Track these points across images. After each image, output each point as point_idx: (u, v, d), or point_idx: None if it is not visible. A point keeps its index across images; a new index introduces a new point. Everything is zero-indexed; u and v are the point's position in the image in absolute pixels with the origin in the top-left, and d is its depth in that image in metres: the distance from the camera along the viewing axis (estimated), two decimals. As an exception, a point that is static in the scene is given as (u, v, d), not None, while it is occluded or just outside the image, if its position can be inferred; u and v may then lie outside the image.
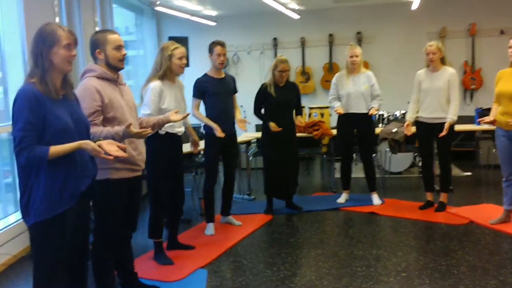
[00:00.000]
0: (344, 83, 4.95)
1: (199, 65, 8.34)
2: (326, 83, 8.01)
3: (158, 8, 6.83)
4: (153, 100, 3.51)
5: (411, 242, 4.11)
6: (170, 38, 7.70)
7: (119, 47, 2.71)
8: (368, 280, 3.33)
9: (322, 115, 6.87)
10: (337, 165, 5.66)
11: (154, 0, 6.63)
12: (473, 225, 4.32)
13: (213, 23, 8.04)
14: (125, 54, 2.74)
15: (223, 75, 4.34)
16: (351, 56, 4.90)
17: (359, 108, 4.91)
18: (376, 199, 5.11)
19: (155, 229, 3.74)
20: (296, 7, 7.56)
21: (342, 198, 5.21)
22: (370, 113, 4.82)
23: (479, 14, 7.48)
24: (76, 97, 2.41)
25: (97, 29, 5.10)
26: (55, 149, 2.13)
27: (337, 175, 5.69)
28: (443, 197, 4.81)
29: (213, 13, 7.95)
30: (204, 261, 3.72)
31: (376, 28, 7.94)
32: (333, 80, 5.10)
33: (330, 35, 8.06)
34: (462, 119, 5.94)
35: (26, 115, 2.08)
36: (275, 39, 8.21)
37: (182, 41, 7.63)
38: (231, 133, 4.35)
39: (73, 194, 2.22)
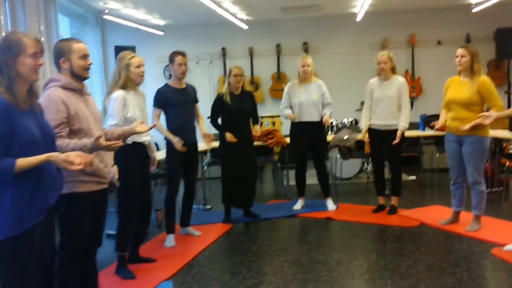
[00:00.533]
0: (296, 92, 5.04)
1: (147, 74, 8.25)
2: (275, 92, 8.14)
3: (106, 17, 6.65)
4: (118, 110, 3.44)
5: (368, 245, 4.25)
6: (117, 48, 7.53)
7: (84, 56, 2.62)
8: (333, 284, 3.41)
9: (273, 123, 6.95)
10: (291, 173, 5.75)
11: (101, 8, 6.46)
12: (424, 227, 4.53)
13: (161, 33, 7.95)
14: (90, 63, 2.65)
15: (184, 85, 4.32)
16: (303, 66, 5.01)
17: (311, 116, 5.01)
18: (330, 204, 5.22)
19: (123, 242, 3.64)
20: (245, 17, 7.65)
21: (298, 205, 5.29)
22: (324, 121, 4.94)
23: (418, 26, 7.90)
24: (41, 108, 2.30)
25: (43, 38, 4.91)
26: (22, 162, 2.02)
27: (291, 182, 5.78)
28: (394, 200, 5.02)
29: (161, 22, 7.86)
30: (167, 274, 3.65)
31: (322, 39, 8.18)
32: (285, 89, 5.18)
33: (278, 45, 8.19)
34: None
35: None
36: (223, 48, 8.23)
37: (130, 50, 7.51)
38: (192, 144, 4.31)
39: (41, 208, 2.13)
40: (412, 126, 6.46)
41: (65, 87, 2.60)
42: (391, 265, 3.69)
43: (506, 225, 4.39)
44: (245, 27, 7.71)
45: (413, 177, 6.74)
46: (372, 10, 7.18)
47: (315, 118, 5.02)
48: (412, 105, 8.29)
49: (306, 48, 8.20)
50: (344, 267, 3.72)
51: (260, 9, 7.21)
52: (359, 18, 7.48)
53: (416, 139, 6.51)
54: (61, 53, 2.61)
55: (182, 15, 7.56)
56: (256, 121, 5.04)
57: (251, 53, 8.24)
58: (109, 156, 2.85)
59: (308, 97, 5.00)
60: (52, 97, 2.53)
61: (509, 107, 6.82)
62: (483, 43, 7.75)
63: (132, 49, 7.47)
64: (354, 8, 7.34)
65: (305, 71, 5.00)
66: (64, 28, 7.45)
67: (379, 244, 4.26)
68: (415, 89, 8.11)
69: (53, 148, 2.23)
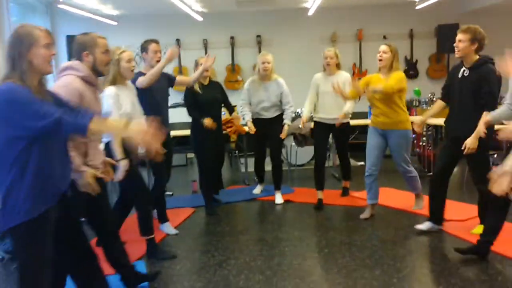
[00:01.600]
0: (256, 90, 5.11)
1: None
2: (229, 83, 8.33)
3: (60, 6, 6.56)
4: (114, 105, 3.38)
5: (326, 223, 4.56)
6: (68, 37, 7.46)
7: (106, 52, 2.69)
8: (296, 257, 3.68)
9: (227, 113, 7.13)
10: (249, 160, 5.95)
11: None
12: (375, 206, 4.89)
13: (115, 23, 7.91)
14: (110, 60, 2.75)
15: None
16: (263, 63, 5.02)
17: (270, 113, 5.12)
18: (279, 198, 5.25)
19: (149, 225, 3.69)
20: (200, 9, 7.76)
21: (258, 189, 5.50)
22: (283, 132, 5.08)
23: (365, 21, 8.34)
24: (52, 97, 2.28)
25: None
26: (95, 126, 2.07)
27: (249, 169, 6.00)
28: (345, 183, 5.34)
29: (114, 12, 7.82)
30: (138, 254, 3.76)
31: (274, 32, 8.44)
32: (246, 85, 5.23)
33: (232, 37, 8.38)
34: (356, 115, 6.64)
35: (29, 100, 2.02)
36: (178, 40, 8.31)
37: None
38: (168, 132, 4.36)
39: (54, 194, 2.21)
40: (361, 115, 6.87)
41: (84, 79, 2.63)
42: (347, 240, 4.00)
43: (448, 203, 4.81)
44: (200, 19, 7.82)
45: (361, 163, 7.14)
46: (323, 5, 7.50)
47: (274, 114, 5.12)
48: (359, 97, 8.79)
49: (259, 41, 8.44)
50: (306, 243, 4.01)
51: (216, 1, 7.36)
52: (310, 12, 7.80)
53: (364, 127, 6.89)
54: (84, 46, 2.65)
55: (136, 5, 7.56)
56: (231, 109, 5.16)
57: (205, 44, 8.37)
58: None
59: (268, 95, 5.06)
60: (69, 87, 2.55)
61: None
62: (425, 38, 8.35)
63: (85, 38, 7.43)
64: (306, 2, 7.65)
65: (265, 68, 5.00)
66: (12, 16, 7.26)
67: (335, 222, 4.58)
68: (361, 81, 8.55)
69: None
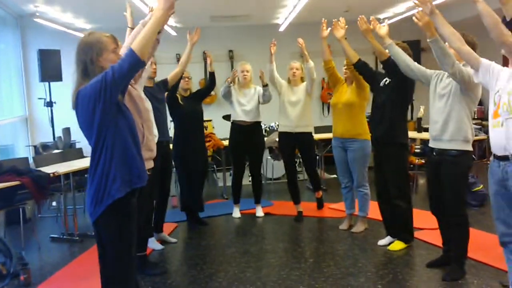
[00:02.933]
0: (236, 93, 5.25)
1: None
2: (203, 97, 8.42)
3: (36, 20, 6.52)
4: None
5: (307, 234, 4.72)
6: (40, 51, 7.39)
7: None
8: (284, 268, 3.81)
9: (205, 128, 7.22)
10: (226, 174, 6.04)
11: (29, 11, 6.32)
12: (353, 216, 5.09)
13: (87, 37, 7.88)
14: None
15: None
16: (242, 71, 5.25)
17: (249, 117, 5.18)
18: (259, 211, 5.38)
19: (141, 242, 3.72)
20: (174, 24, 7.86)
21: (237, 212, 5.38)
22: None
23: (333, 38, 8.62)
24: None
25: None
26: (136, 43, 2.18)
27: (228, 183, 6.10)
28: (318, 194, 5.44)
29: (87, 26, 7.81)
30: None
31: (246, 47, 8.63)
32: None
33: (204, 52, 8.49)
34: (324, 129, 6.88)
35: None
36: (151, 54, 8.34)
37: (54, 54, 7.37)
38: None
39: (139, 175, 2.35)
40: (328, 129, 7.08)
41: None
42: (330, 250, 4.18)
43: (418, 212, 5.06)
44: (173, 33, 7.91)
45: (334, 176, 7.38)
46: (293, 22, 7.77)
47: (252, 120, 5.19)
48: (328, 110, 9.07)
49: (231, 56, 8.62)
50: (290, 254, 4.15)
51: (190, 16, 7.47)
52: (282, 28, 8.04)
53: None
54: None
55: (108, 19, 7.55)
56: (213, 80, 5.13)
57: (178, 59, 8.43)
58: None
59: (247, 100, 5.21)
60: None
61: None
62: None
63: (57, 53, 7.37)
64: (278, 19, 7.89)
65: (245, 76, 5.20)
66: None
67: (316, 233, 4.75)
68: (332, 95, 8.83)
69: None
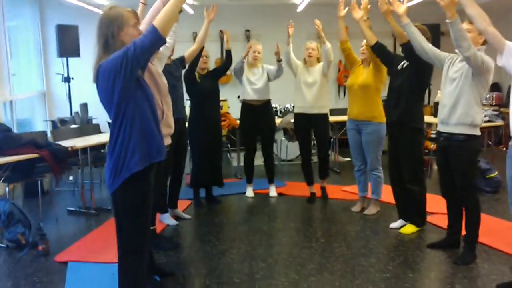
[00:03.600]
0: (246, 72, 5.27)
1: (92, 55, 8.16)
2: (219, 77, 8.42)
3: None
4: None
5: (319, 215, 4.77)
6: (58, 26, 7.43)
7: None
8: (295, 246, 3.87)
9: (221, 107, 7.25)
10: (240, 154, 6.07)
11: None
12: (366, 199, 5.12)
13: (105, 13, 7.90)
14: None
15: None
16: (254, 52, 5.28)
17: (259, 95, 5.21)
18: (273, 191, 5.44)
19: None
20: (191, 1, 7.83)
21: (250, 192, 5.46)
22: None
23: (351, 19, 8.53)
24: None
25: None
26: (158, 20, 2.23)
27: (242, 163, 6.14)
28: (322, 182, 5.28)
29: (105, 2, 7.81)
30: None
31: (263, 27, 8.57)
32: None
33: (221, 31, 8.47)
34: (339, 112, 6.85)
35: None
36: (167, 32, 8.34)
37: (72, 29, 7.41)
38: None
39: (158, 150, 2.40)
40: (344, 111, 7.06)
41: None
42: (342, 231, 4.22)
43: (430, 197, 5.05)
44: (191, 11, 7.89)
45: (348, 159, 7.39)
46: (311, 2, 7.69)
47: (262, 98, 5.23)
48: (344, 93, 9.03)
49: (248, 35, 8.57)
50: (302, 233, 4.20)
51: (207, -6, 7.43)
52: (300, 9, 7.96)
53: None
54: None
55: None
56: (229, 57, 5.17)
57: (195, 37, 8.40)
58: None
59: (257, 78, 5.25)
60: None
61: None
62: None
63: (75, 28, 7.41)
64: (296, -1, 7.81)
65: (255, 57, 5.26)
66: None
67: (328, 214, 4.79)
68: (347, 78, 8.78)
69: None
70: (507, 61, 2.82)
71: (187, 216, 4.69)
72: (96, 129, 6.18)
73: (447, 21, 3.08)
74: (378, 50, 4.18)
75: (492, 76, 3.32)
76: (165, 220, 4.46)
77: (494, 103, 7.94)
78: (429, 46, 3.56)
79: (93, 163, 5.33)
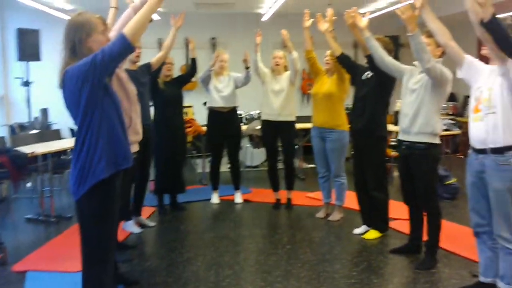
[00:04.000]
0: (214, 82, 5.26)
1: (53, 60, 7.97)
2: (184, 83, 8.39)
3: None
4: None
5: (285, 221, 4.80)
6: (19, 30, 7.23)
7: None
8: (261, 253, 3.88)
9: (185, 113, 7.21)
10: (204, 160, 6.05)
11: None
12: (330, 205, 5.19)
13: (68, 17, 7.72)
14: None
15: None
16: (221, 61, 5.28)
17: (226, 102, 5.21)
18: (238, 197, 5.45)
19: None
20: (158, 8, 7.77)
21: (216, 198, 5.44)
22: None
23: (314, 29, 8.67)
24: None
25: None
26: (129, 27, 2.20)
27: (207, 169, 6.12)
28: (289, 194, 5.24)
29: (68, 6, 7.67)
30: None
31: (229, 35, 8.63)
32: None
33: (186, 38, 8.44)
34: (303, 119, 6.94)
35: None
36: (131, 38, 8.25)
37: (33, 33, 7.23)
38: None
39: (125, 157, 2.36)
40: (308, 119, 7.16)
41: None
42: (307, 237, 4.26)
43: (394, 204, 5.18)
44: (157, 17, 7.83)
45: (312, 165, 7.48)
46: (277, 12, 7.79)
47: (230, 105, 5.24)
48: (308, 101, 9.16)
49: (214, 43, 8.59)
50: (268, 240, 4.22)
51: (174, 1, 7.40)
52: (265, 18, 8.05)
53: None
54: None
55: (90, 0, 7.45)
56: (194, 67, 5.17)
57: (160, 44, 8.38)
58: None
59: (225, 85, 5.25)
60: None
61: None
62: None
63: (36, 32, 7.23)
64: (262, 8, 7.89)
65: (222, 66, 5.26)
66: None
67: (293, 220, 4.82)
68: (311, 86, 8.92)
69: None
70: (467, 73, 2.93)
71: (152, 224, 4.62)
72: (57, 135, 6.03)
73: (408, 34, 3.18)
74: (343, 60, 4.28)
75: (450, 88, 3.45)
76: (129, 227, 4.38)
77: (450, 113, 8.24)
78: (389, 59, 3.68)
79: (53, 170, 5.18)
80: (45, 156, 4.86)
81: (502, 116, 2.70)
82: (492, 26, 2.42)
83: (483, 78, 2.82)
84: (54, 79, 2.42)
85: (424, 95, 3.41)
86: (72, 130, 6.56)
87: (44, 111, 7.18)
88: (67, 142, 5.65)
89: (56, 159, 5.34)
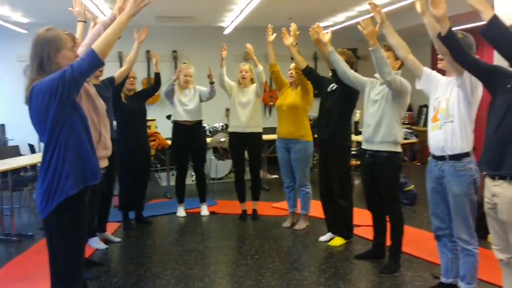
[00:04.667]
0: (178, 96, 5.26)
1: (8, 74, 7.75)
2: (145, 97, 8.33)
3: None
4: None
5: (252, 232, 4.84)
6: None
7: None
8: (231, 264, 3.91)
9: (149, 127, 7.16)
10: (171, 174, 6.03)
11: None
12: (295, 216, 5.27)
13: (24, 31, 7.57)
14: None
15: None
16: (186, 75, 5.27)
17: (191, 116, 5.23)
18: (205, 210, 5.47)
19: None
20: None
21: (182, 212, 5.42)
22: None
23: (276, 42, 8.80)
24: None
25: None
26: (98, 44, 2.24)
27: (172, 182, 6.10)
28: (255, 205, 5.32)
29: (24, 20, 7.49)
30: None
31: (191, 48, 8.66)
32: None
33: (148, 51, 8.41)
34: (267, 130, 7.03)
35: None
36: (91, 51, 8.14)
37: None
38: None
39: (93, 173, 2.34)
40: (270, 130, 7.26)
41: None
42: (274, 246, 4.32)
43: (357, 211, 5.32)
44: (117, 31, 7.77)
45: (276, 176, 7.57)
46: (238, 25, 7.90)
47: (194, 118, 5.25)
48: (270, 112, 9.30)
49: (175, 56, 8.60)
50: (236, 251, 4.25)
51: (135, 15, 7.37)
52: (227, 31, 8.14)
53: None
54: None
55: (47, 14, 7.31)
56: (158, 80, 5.16)
57: (120, 57, 8.32)
58: None
59: (190, 99, 5.27)
60: None
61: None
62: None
63: (-10, 46, 7.04)
64: (223, 22, 7.98)
65: (187, 80, 5.26)
66: None
67: (260, 231, 4.86)
68: (273, 98, 9.07)
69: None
70: (425, 84, 3.10)
71: (117, 239, 4.55)
72: (15, 151, 5.86)
73: (370, 48, 3.34)
74: (308, 73, 4.41)
75: (409, 99, 3.62)
76: (94, 244, 4.31)
77: (407, 122, 8.57)
78: (351, 72, 3.84)
79: (13, 187, 5.03)
80: (4, 173, 4.72)
81: (459, 125, 2.87)
82: (449, 40, 2.58)
83: (441, 89, 2.98)
84: (10, 95, 2.40)
85: (386, 106, 3.57)
86: (31, 145, 6.40)
87: (1, 127, 6.96)
88: (27, 159, 5.52)
89: (16, 176, 5.19)
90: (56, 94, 2.19)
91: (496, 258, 2.61)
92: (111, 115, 4.35)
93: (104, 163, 3.17)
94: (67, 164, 2.26)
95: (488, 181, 2.53)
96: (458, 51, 2.60)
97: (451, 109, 2.89)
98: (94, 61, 2.21)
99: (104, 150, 3.15)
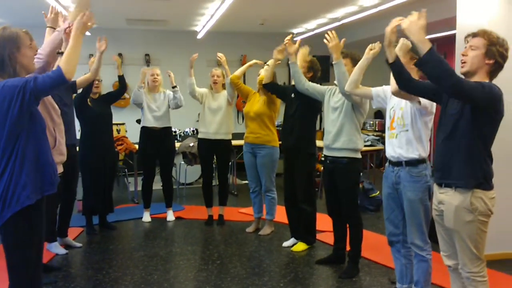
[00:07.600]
0: (146, 99, 5.24)
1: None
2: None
3: None
4: None
5: (217, 237, 4.83)
6: None
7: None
8: (191, 270, 3.90)
9: (118, 131, 7.11)
10: (137, 178, 5.97)
11: None
12: (260, 220, 5.29)
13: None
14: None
15: None
16: (152, 75, 5.28)
17: (160, 122, 5.22)
18: (171, 215, 5.44)
19: None
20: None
21: (147, 217, 5.38)
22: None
23: (248, 48, 8.90)
24: None
25: None
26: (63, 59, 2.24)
27: (139, 187, 6.04)
28: (221, 210, 5.30)
29: (-7, 20, 7.37)
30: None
31: (163, 52, 8.63)
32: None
33: (120, 54, 8.34)
34: (238, 136, 7.05)
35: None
36: (61, 53, 7.97)
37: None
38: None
39: (51, 182, 2.31)
40: (241, 136, 7.27)
41: None
42: (237, 252, 4.32)
43: (322, 216, 5.34)
44: (87, 33, 7.69)
45: (245, 181, 7.57)
46: (211, 30, 7.91)
47: (163, 125, 5.24)
48: (243, 118, 9.30)
49: (148, 59, 8.55)
50: (199, 256, 4.24)
51: (105, 18, 7.33)
52: (200, 36, 8.14)
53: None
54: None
55: (18, 16, 7.21)
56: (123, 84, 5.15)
57: (91, 59, 8.21)
58: None
59: (158, 104, 5.24)
60: None
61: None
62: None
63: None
64: (196, 26, 7.98)
65: (154, 80, 5.25)
66: None
67: (225, 236, 4.86)
68: (246, 103, 9.09)
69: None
70: (379, 103, 3.25)
71: (78, 245, 4.48)
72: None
73: (333, 62, 3.44)
74: (270, 89, 4.50)
75: (368, 105, 3.69)
76: (54, 249, 4.24)
77: (377, 129, 8.68)
78: (309, 84, 3.95)
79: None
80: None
81: (414, 134, 2.93)
82: (396, 68, 2.62)
83: (394, 99, 3.04)
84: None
85: (346, 114, 3.64)
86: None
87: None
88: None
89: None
90: (16, 101, 2.18)
91: (444, 264, 2.66)
92: (72, 119, 4.31)
93: (59, 169, 3.11)
94: (24, 173, 2.22)
95: (436, 188, 2.58)
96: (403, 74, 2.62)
97: (406, 118, 2.96)
98: (59, 80, 2.20)
99: (59, 156, 3.10)
